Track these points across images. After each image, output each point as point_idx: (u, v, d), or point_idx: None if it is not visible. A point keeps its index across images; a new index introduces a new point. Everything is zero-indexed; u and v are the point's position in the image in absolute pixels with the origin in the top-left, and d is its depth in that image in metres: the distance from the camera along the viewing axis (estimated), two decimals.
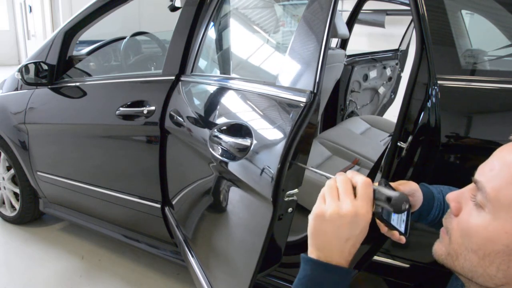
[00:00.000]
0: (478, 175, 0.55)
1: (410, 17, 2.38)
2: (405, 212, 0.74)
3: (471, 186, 0.57)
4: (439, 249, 0.59)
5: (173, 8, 1.76)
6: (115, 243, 2.27)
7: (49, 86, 2.07)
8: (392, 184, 0.79)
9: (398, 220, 0.71)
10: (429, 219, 0.83)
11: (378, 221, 0.68)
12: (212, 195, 1.36)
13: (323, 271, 0.57)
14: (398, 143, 1.16)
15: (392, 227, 0.65)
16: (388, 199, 0.57)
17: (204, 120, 1.41)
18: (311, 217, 0.58)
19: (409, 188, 0.80)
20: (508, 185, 0.50)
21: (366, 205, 0.56)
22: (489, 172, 0.53)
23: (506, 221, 0.50)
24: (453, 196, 0.58)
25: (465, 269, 0.55)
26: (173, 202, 1.66)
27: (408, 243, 0.59)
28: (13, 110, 2.24)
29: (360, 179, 0.58)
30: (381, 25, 3.04)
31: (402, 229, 0.70)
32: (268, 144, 1.08)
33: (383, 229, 0.72)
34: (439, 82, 1.06)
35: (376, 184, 0.62)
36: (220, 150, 1.20)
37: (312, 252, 0.59)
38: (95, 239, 2.35)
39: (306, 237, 1.42)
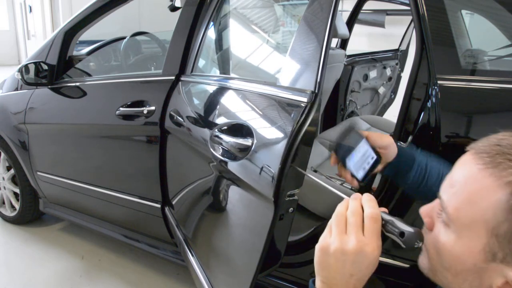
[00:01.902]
0: (441, 191, 0.54)
1: (410, 17, 2.38)
2: (369, 162, 0.76)
3: (439, 200, 0.55)
4: (422, 263, 0.58)
5: (173, 8, 1.76)
6: (115, 243, 2.27)
7: (49, 86, 2.07)
8: (364, 133, 0.81)
9: (357, 166, 0.73)
10: (407, 181, 0.83)
11: (333, 155, 0.69)
12: (212, 195, 1.36)
13: None
14: (398, 143, 1.16)
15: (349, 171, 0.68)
16: (401, 234, 0.53)
17: (204, 120, 1.41)
18: (316, 248, 0.56)
19: (384, 142, 0.81)
20: (467, 204, 0.49)
21: (373, 242, 0.53)
22: (449, 188, 0.52)
23: (470, 240, 0.49)
24: (425, 211, 0.57)
25: (444, 285, 0.54)
26: (173, 202, 1.66)
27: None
28: (13, 110, 2.24)
29: (368, 211, 0.55)
30: (381, 25, 3.04)
31: (360, 176, 0.72)
32: (269, 144, 1.08)
33: (341, 172, 0.78)
34: (439, 82, 1.06)
35: (385, 210, 0.58)
36: (221, 150, 1.20)
37: (318, 283, 0.57)
38: (95, 239, 2.35)
39: (306, 237, 1.42)
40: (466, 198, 0.49)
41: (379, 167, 0.82)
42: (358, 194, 0.59)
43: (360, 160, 0.78)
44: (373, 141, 0.80)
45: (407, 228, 0.53)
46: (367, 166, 0.77)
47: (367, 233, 0.54)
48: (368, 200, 0.57)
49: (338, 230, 0.55)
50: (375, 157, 0.78)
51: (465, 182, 0.50)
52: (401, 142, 1.17)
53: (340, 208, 0.58)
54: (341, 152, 0.73)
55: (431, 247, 0.54)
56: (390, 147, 0.81)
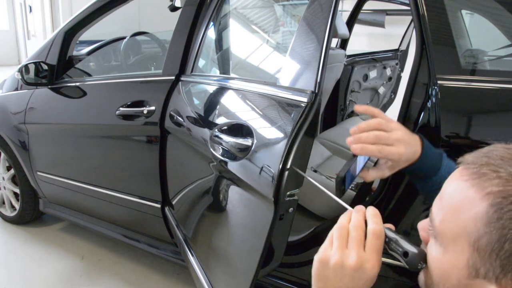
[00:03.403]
0: (433, 204, 0.52)
1: (410, 17, 2.37)
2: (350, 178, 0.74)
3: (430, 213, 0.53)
4: (420, 278, 0.56)
5: (173, 8, 1.76)
6: (115, 243, 2.27)
7: (49, 86, 2.07)
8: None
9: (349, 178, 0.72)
10: (427, 186, 0.77)
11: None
12: (212, 195, 1.36)
13: None
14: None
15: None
16: (405, 254, 0.52)
17: (204, 120, 1.41)
18: (315, 259, 0.55)
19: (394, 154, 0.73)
20: (451, 217, 0.47)
21: (374, 259, 0.52)
22: (438, 201, 0.50)
23: (455, 255, 0.47)
24: (421, 226, 0.56)
25: None
26: (173, 202, 1.66)
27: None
28: (13, 110, 2.24)
29: (371, 227, 0.54)
30: (381, 25, 3.04)
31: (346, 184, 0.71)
32: (269, 144, 1.08)
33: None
34: (439, 82, 1.06)
35: (390, 227, 0.56)
36: (221, 150, 1.20)
37: None
38: (95, 239, 2.35)
39: (306, 237, 1.42)
40: (450, 210, 0.47)
41: (386, 172, 0.77)
42: (361, 207, 0.57)
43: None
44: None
45: (411, 248, 0.52)
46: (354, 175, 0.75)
47: (368, 250, 0.53)
48: (372, 215, 0.55)
49: (340, 243, 0.54)
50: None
51: (450, 194, 0.48)
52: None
53: (342, 220, 0.56)
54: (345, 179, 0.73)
55: (428, 263, 0.53)
56: (402, 156, 0.74)
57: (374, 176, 0.78)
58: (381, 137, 0.72)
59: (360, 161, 0.77)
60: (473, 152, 0.50)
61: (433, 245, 0.51)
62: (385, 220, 0.56)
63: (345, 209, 0.71)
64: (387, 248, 0.54)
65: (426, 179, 0.78)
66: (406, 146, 0.73)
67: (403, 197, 1.17)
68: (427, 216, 0.54)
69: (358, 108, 0.77)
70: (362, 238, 0.53)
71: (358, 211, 0.57)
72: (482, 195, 0.44)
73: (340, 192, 0.72)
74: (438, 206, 0.50)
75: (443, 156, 0.78)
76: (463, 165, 0.49)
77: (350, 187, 1.65)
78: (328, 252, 0.54)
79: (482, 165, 0.46)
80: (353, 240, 0.53)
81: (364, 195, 1.49)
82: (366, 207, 0.58)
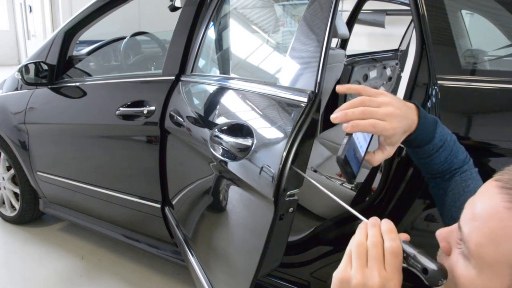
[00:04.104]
0: (462, 221, 0.50)
1: (410, 17, 2.38)
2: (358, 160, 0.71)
3: (459, 231, 0.52)
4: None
5: (173, 8, 1.76)
6: (115, 243, 2.27)
7: (49, 86, 2.07)
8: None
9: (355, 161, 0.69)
10: (419, 154, 0.76)
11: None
12: (212, 195, 1.36)
13: None
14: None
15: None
16: (424, 271, 0.51)
17: (204, 120, 1.41)
18: (335, 278, 0.54)
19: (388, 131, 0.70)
20: (490, 243, 0.46)
21: (395, 277, 0.51)
22: (472, 221, 0.49)
23: (491, 279, 0.46)
24: (442, 236, 0.55)
25: None
26: (173, 202, 1.66)
27: (415, 240, 0.57)
28: (13, 110, 2.24)
29: (389, 245, 0.52)
30: (381, 25, 3.04)
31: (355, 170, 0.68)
32: (269, 144, 1.08)
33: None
34: (439, 82, 1.06)
35: (406, 238, 0.55)
36: (221, 150, 1.20)
37: None
38: (95, 239, 2.35)
39: (306, 237, 1.42)
40: (490, 237, 0.46)
41: (389, 149, 0.74)
42: (377, 220, 0.56)
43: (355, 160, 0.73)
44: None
45: (430, 265, 0.50)
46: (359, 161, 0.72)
47: (389, 268, 0.52)
48: (388, 231, 0.54)
49: (359, 262, 0.53)
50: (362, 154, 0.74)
51: (489, 219, 0.47)
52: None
53: (359, 237, 0.55)
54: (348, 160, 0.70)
55: (448, 274, 0.52)
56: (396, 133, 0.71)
57: (380, 157, 0.75)
58: (366, 112, 0.68)
59: (361, 142, 0.73)
60: (508, 170, 0.49)
61: (463, 264, 0.50)
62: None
63: (342, 207, 0.71)
64: (406, 263, 0.53)
65: (419, 148, 0.76)
66: (400, 119, 0.70)
67: (403, 197, 1.17)
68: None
69: (339, 88, 0.73)
70: (382, 257, 0.52)
71: (374, 225, 0.55)
72: None
73: (349, 176, 0.69)
74: (470, 226, 0.49)
75: (437, 124, 0.76)
76: (499, 186, 0.48)
77: (350, 188, 1.65)
78: (349, 272, 0.53)
79: None
80: (373, 260, 0.52)
81: (364, 195, 1.49)
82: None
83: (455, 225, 0.53)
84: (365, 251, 0.53)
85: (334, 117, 0.68)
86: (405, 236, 0.55)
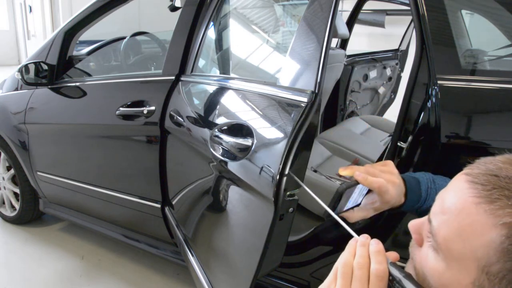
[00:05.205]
0: (432, 214, 0.51)
1: (410, 17, 2.38)
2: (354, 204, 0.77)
3: (428, 224, 0.52)
4: (409, 270, 0.55)
5: (173, 8, 1.76)
6: (115, 243, 2.27)
7: (49, 86, 2.07)
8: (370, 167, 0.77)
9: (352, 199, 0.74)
10: (410, 208, 0.79)
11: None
12: (212, 195, 1.36)
13: None
14: (398, 143, 1.16)
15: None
16: None
17: (204, 120, 1.41)
18: None
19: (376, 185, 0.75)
20: (458, 237, 0.46)
21: None
22: (441, 215, 0.49)
23: (459, 272, 0.47)
24: (414, 227, 0.55)
25: None
26: (173, 202, 1.66)
27: (408, 242, 0.58)
28: (13, 110, 2.24)
29: (374, 267, 0.52)
30: (381, 25, 3.04)
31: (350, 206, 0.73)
32: (269, 144, 1.08)
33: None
34: (439, 82, 1.06)
35: (394, 257, 0.55)
36: (221, 150, 1.20)
37: None
38: (95, 239, 2.35)
39: (306, 237, 1.42)
40: (457, 231, 0.46)
41: (371, 212, 0.79)
42: (366, 239, 0.56)
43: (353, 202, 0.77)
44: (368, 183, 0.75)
45: None
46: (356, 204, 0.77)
47: None
48: (376, 253, 0.53)
49: (343, 282, 0.53)
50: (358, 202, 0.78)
51: (457, 213, 0.47)
52: (401, 142, 1.17)
53: (347, 256, 0.55)
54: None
55: (419, 265, 0.53)
56: (388, 191, 0.75)
57: (359, 216, 0.80)
58: (370, 171, 0.76)
59: (357, 193, 0.77)
60: (477, 163, 0.49)
61: (433, 256, 0.50)
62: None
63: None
64: (390, 286, 0.53)
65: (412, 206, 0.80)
66: (397, 190, 0.76)
67: None
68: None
69: (342, 172, 0.79)
70: (366, 278, 0.52)
71: (363, 244, 0.55)
72: (495, 223, 0.44)
73: (332, 205, 0.74)
74: (439, 220, 0.49)
75: (420, 183, 0.80)
76: (469, 181, 0.48)
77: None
78: None
79: (493, 189, 0.45)
80: (357, 281, 0.52)
81: None
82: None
83: (426, 217, 0.53)
84: (350, 270, 0.53)
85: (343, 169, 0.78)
86: (394, 256, 0.55)
